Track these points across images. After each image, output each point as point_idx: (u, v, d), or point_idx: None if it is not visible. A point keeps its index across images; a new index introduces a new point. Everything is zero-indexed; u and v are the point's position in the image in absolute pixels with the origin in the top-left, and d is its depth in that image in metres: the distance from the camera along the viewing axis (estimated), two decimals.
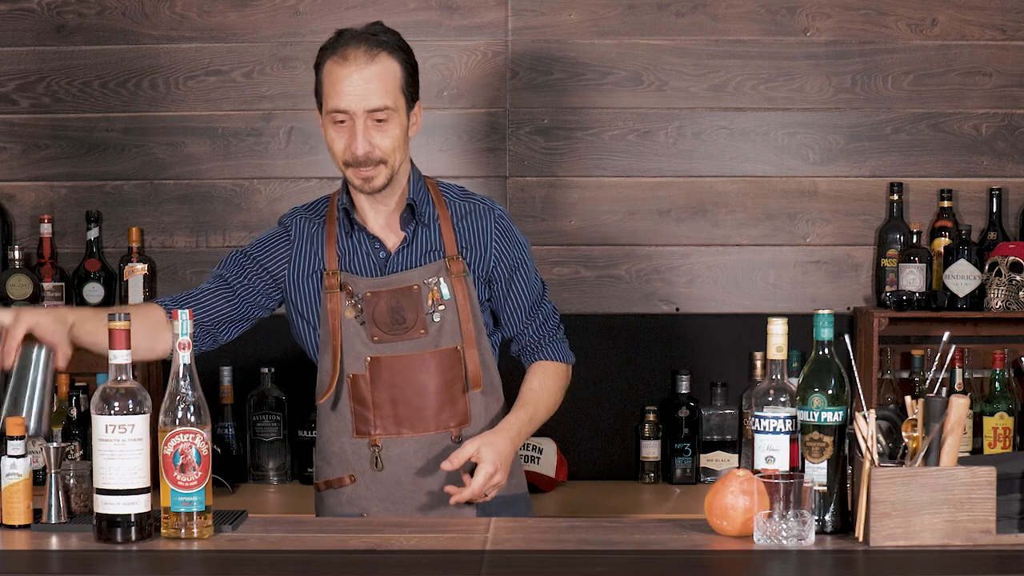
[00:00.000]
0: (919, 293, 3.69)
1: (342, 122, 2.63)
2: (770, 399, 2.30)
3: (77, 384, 3.74)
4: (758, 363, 3.79)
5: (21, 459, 2.34)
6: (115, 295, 3.84)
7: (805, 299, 3.91)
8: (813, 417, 2.27)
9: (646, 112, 3.91)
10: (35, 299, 3.73)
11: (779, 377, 2.32)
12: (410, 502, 2.68)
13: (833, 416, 2.27)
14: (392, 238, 2.73)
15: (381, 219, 2.74)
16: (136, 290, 3.81)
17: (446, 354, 2.68)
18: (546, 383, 2.78)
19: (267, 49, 3.91)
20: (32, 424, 2.38)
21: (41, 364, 2.40)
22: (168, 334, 2.63)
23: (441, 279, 2.69)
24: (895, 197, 3.84)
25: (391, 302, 2.68)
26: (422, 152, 3.90)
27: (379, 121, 2.62)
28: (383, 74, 2.62)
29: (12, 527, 2.33)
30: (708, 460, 3.82)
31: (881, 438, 2.26)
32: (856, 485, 2.24)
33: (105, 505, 2.21)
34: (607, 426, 3.88)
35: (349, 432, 2.70)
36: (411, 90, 2.67)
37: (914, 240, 3.75)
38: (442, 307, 2.68)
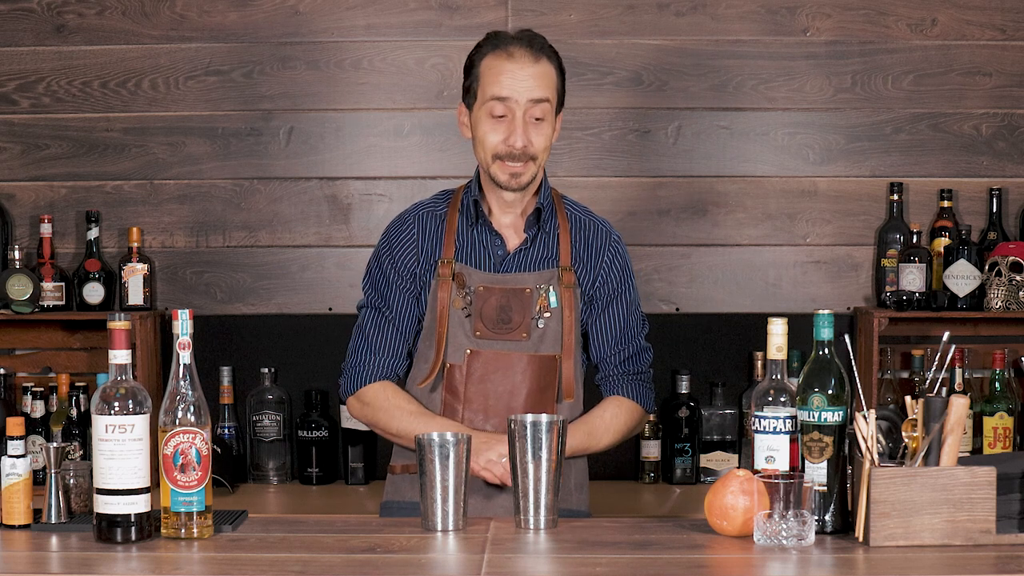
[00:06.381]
0: (919, 293, 3.69)
1: (501, 116, 2.66)
2: (770, 399, 2.30)
3: (77, 384, 3.74)
4: (758, 363, 3.79)
5: (21, 459, 2.34)
6: (115, 295, 3.84)
7: (805, 299, 3.91)
8: (813, 417, 2.27)
9: (646, 112, 3.91)
10: (35, 299, 3.72)
11: (779, 377, 2.32)
12: (480, 493, 2.67)
13: (833, 416, 2.27)
14: (514, 239, 2.76)
15: (507, 219, 2.77)
16: (136, 290, 3.80)
17: (544, 361, 2.70)
18: (618, 417, 2.78)
19: (267, 49, 3.91)
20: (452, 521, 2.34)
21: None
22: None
23: (552, 287, 2.72)
24: (895, 197, 3.84)
25: (501, 300, 2.70)
26: (422, 152, 3.91)
27: (537, 120, 2.67)
28: (546, 75, 2.69)
29: (12, 527, 2.33)
30: (708, 460, 3.81)
31: (881, 438, 2.26)
32: (856, 485, 2.24)
33: (105, 505, 2.21)
34: None
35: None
36: (560, 98, 2.74)
37: (914, 240, 3.75)
38: (548, 315, 2.71)
